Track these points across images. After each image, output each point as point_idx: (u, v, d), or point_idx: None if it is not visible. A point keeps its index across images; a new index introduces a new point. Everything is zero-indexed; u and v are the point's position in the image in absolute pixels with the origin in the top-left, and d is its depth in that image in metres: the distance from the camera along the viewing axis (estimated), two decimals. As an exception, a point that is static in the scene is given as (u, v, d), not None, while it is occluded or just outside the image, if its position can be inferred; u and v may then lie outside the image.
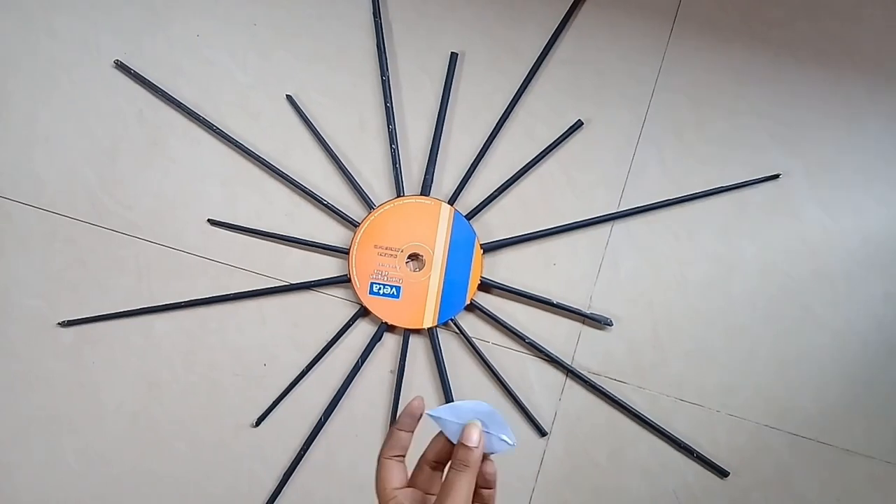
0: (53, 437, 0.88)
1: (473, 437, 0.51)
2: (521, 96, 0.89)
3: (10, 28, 0.91)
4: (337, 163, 0.88)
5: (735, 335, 0.87)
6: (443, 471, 0.54)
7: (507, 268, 0.88)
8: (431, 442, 0.55)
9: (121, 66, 0.90)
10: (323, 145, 0.89)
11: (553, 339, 0.87)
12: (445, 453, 0.54)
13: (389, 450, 0.54)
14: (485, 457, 0.53)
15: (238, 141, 0.89)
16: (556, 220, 0.88)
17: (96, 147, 0.90)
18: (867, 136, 0.88)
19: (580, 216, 0.88)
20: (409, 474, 0.54)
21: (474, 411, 0.52)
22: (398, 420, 0.55)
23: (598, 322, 0.86)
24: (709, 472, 0.86)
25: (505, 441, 0.52)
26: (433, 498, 0.52)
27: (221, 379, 0.88)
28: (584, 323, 0.87)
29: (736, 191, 0.87)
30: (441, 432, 0.53)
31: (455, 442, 0.52)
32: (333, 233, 0.89)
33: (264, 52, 0.91)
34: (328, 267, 0.88)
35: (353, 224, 0.87)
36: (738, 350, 0.86)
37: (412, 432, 0.54)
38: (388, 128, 0.88)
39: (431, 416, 0.52)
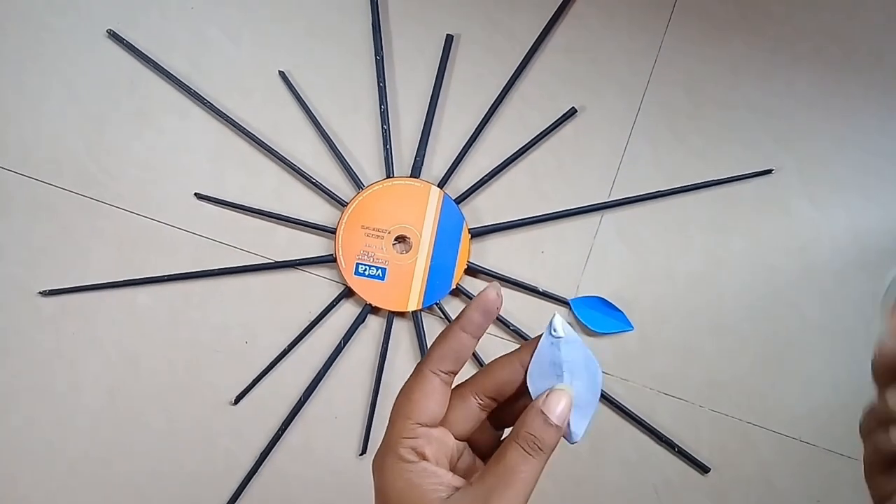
0: (29, 408, 0.86)
1: (558, 409, 0.34)
2: (515, 82, 0.88)
3: (3, -7, 0.90)
4: (327, 141, 0.88)
5: (722, 330, 0.86)
6: (488, 413, 0.38)
7: (494, 254, 0.87)
8: (494, 364, 0.37)
9: (113, 36, 0.89)
10: (314, 123, 0.88)
11: (538, 327, 0.86)
12: (507, 389, 0.37)
13: (439, 360, 0.36)
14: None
15: (228, 116, 0.88)
16: (546, 208, 0.87)
17: (84, 116, 0.89)
18: (862, 134, 0.87)
19: (570, 204, 0.87)
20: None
21: (586, 368, 0.36)
22: (463, 315, 0.36)
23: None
24: (689, 468, 0.85)
25: (571, 430, 0.37)
26: (467, 452, 0.37)
27: (201, 355, 0.87)
28: (569, 312, 0.86)
29: (727, 185, 0.87)
30: (517, 357, 0.37)
31: (532, 389, 0.36)
32: (321, 212, 0.88)
33: (258, 27, 0.90)
34: (314, 246, 0.88)
35: (340, 203, 0.87)
36: (724, 345, 0.86)
37: (478, 339, 0.37)
38: (380, 108, 0.87)
39: (552, 327, 0.36)
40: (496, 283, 0.39)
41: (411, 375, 0.37)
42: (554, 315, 0.37)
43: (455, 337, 0.36)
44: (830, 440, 0.85)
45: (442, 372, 0.37)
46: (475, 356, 0.85)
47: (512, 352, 0.37)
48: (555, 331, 0.37)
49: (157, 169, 0.88)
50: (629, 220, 0.87)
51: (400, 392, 0.37)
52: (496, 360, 0.38)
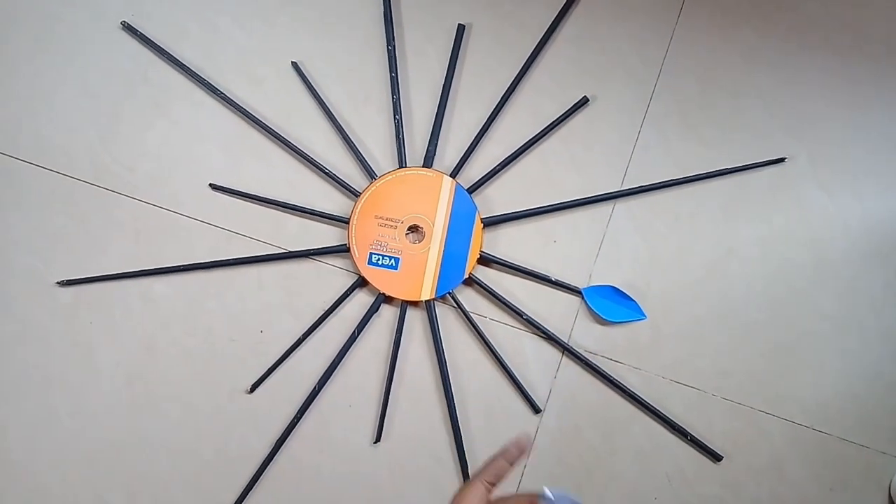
0: (48, 397, 0.87)
1: None
2: (526, 71, 0.88)
3: (18, -14, 0.91)
4: (340, 132, 0.88)
5: (733, 319, 0.86)
6: None
7: (507, 243, 0.88)
8: (514, 497, 0.58)
9: (127, 28, 0.90)
10: (326, 114, 0.88)
11: (550, 316, 0.87)
12: None
13: (486, 474, 0.57)
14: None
15: (241, 106, 0.88)
16: (558, 197, 0.87)
17: (99, 107, 0.89)
18: (872, 123, 0.87)
19: (582, 194, 0.87)
20: None
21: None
22: (506, 450, 0.58)
23: (597, 300, 0.86)
24: (702, 456, 0.85)
25: None
26: None
27: (217, 344, 0.87)
28: (581, 301, 0.87)
29: (739, 174, 0.87)
30: (527, 497, 0.56)
31: None
32: (334, 202, 0.88)
33: (270, 18, 0.90)
34: (328, 236, 0.88)
35: (354, 194, 0.87)
36: (735, 334, 0.86)
37: (512, 466, 0.58)
38: (393, 98, 0.88)
39: (545, 495, 0.54)
40: (528, 434, 0.62)
41: (470, 483, 0.57)
42: (543, 489, 0.53)
43: (499, 463, 0.57)
44: (843, 428, 0.85)
45: (487, 482, 0.56)
46: (495, 354, 0.85)
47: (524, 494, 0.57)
48: (547, 498, 0.53)
49: (171, 160, 0.89)
50: (641, 210, 0.87)
51: (460, 491, 0.57)
52: (515, 496, 0.57)
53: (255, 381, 0.86)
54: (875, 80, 0.87)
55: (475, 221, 0.86)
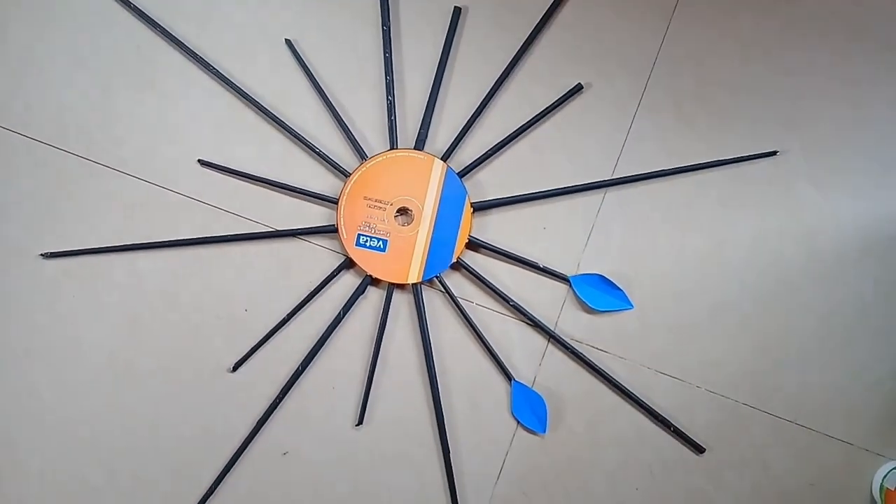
0: (28, 369, 0.87)
1: None
2: (521, 57, 0.88)
3: (11, -46, 0.90)
4: (332, 111, 0.87)
5: (721, 312, 0.86)
6: None
7: (496, 228, 0.87)
8: None
9: (121, 0, 0.89)
10: (319, 93, 0.88)
11: (538, 303, 0.86)
12: None
13: None
14: None
15: (234, 83, 0.88)
16: (550, 184, 0.87)
17: (91, 80, 0.89)
18: (868, 119, 0.87)
19: (574, 181, 0.87)
20: None
21: None
22: None
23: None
24: (685, 448, 0.85)
25: None
26: None
27: (202, 321, 0.87)
28: (569, 289, 0.86)
29: (732, 165, 0.86)
30: None
31: None
32: (324, 181, 0.88)
33: (266, -5, 0.90)
34: (316, 216, 0.88)
35: (344, 174, 0.87)
36: (723, 327, 0.86)
37: None
38: (386, 79, 0.87)
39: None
40: None
41: None
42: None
43: None
44: (826, 424, 0.85)
45: None
46: (482, 339, 0.85)
47: None
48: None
49: (161, 135, 0.88)
50: (632, 199, 0.87)
51: None
52: None
53: (238, 359, 0.86)
54: (871, 76, 0.87)
55: (465, 205, 0.85)
